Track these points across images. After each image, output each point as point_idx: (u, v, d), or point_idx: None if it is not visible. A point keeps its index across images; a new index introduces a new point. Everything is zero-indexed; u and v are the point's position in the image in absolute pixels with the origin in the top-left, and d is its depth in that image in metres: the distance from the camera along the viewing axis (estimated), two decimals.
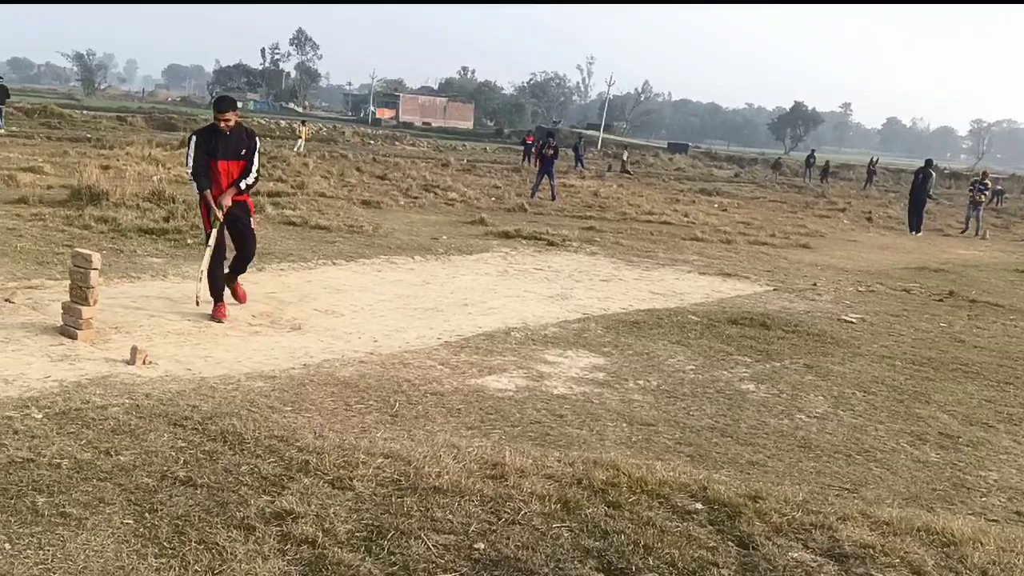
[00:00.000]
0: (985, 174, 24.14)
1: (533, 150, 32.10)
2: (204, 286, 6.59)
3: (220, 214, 6.53)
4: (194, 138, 6.59)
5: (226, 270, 6.77)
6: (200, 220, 6.85)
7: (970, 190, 23.23)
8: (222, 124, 6.53)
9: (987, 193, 23.03)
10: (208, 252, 6.58)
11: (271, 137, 41.82)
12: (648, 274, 10.77)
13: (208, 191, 6.50)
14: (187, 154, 6.60)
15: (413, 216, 15.04)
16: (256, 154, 6.76)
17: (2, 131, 26.78)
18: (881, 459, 4.79)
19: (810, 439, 5.00)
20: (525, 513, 3.48)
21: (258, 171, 6.84)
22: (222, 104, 6.66)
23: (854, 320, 8.60)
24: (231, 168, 6.62)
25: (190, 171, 6.60)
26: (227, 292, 6.75)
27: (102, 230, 9.60)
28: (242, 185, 6.65)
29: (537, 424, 4.79)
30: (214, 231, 6.57)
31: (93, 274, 5.52)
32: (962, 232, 21.61)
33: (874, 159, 49.20)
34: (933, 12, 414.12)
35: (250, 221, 6.87)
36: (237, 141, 6.64)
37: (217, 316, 6.49)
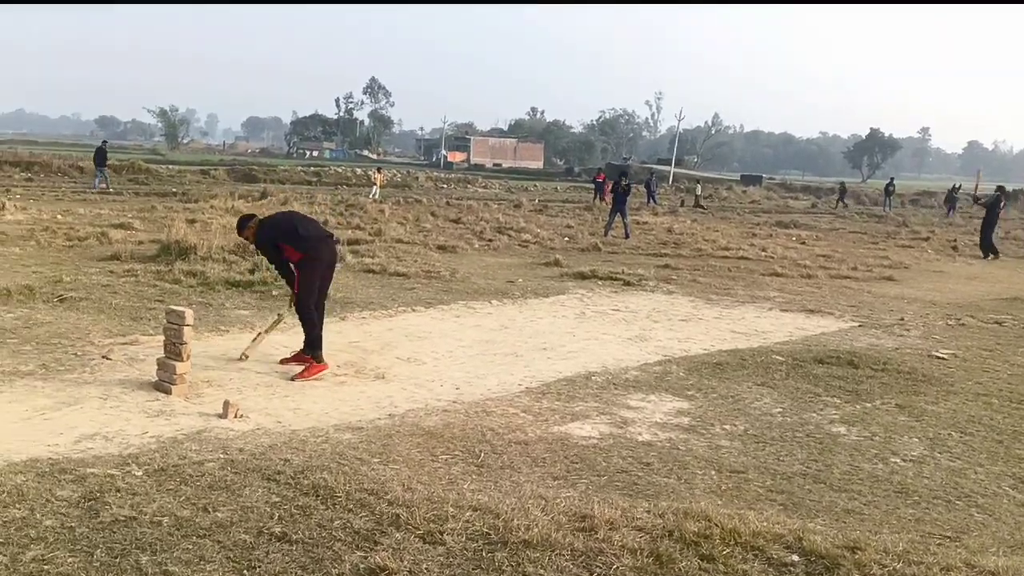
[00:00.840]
0: None
1: (606, 188, 32.20)
2: (257, 344, 6.87)
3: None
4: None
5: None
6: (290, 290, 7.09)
7: None
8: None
9: None
10: (277, 321, 6.98)
11: (347, 185, 42.79)
12: (728, 312, 10.63)
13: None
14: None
15: (488, 259, 15.16)
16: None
17: (104, 187, 28.49)
18: (983, 504, 4.61)
19: (907, 484, 4.84)
20: (617, 567, 3.44)
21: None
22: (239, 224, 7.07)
23: (946, 356, 8.33)
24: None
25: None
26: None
27: (191, 284, 9.92)
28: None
29: (624, 473, 4.75)
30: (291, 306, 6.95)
31: (186, 330, 5.70)
32: None
33: (956, 185, 47.73)
34: (1012, 30, 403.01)
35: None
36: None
37: (316, 375, 6.59)
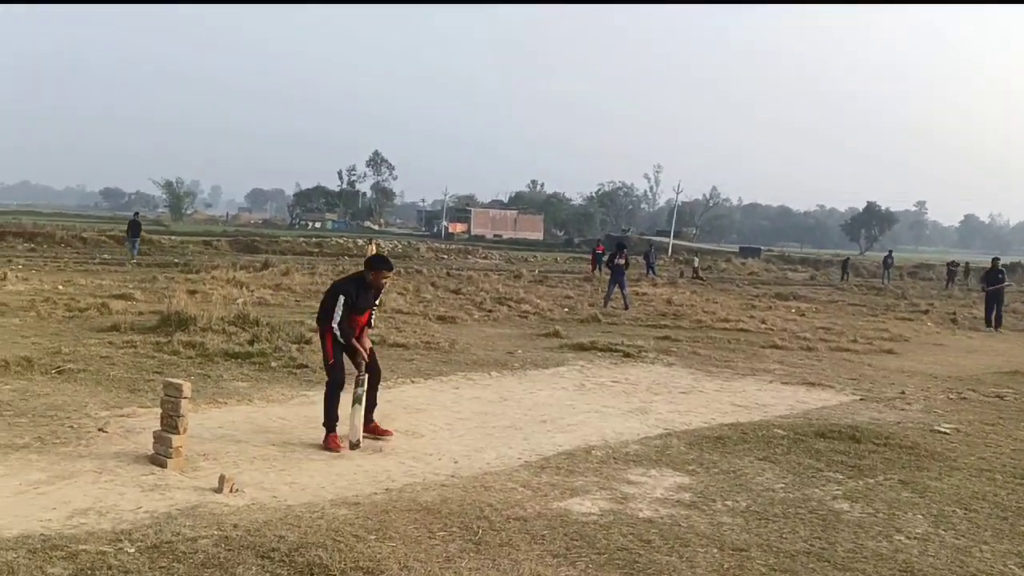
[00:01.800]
0: None
1: (604, 260, 32.52)
2: (358, 427, 6.68)
3: (365, 355, 6.79)
4: (343, 297, 6.67)
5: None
6: (322, 351, 6.96)
7: None
8: (381, 284, 6.95)
9: None
10: (364, 399, 6.75)
11: (349, 255, 43.06)
12: (729, 385, 10.58)
13: (351, 338, 6.73)
14: (335, 310, 6.66)
15: (488, 330, 15.16)
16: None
17: (134, 261, 28.82)
18: None
19: (912, 563, 4.75)
20: None
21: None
22: (389, 265, 7.10)
23: (948, 431, 8.26)
24: (363, 317, 6.92)
25: (336, 327, 6.65)
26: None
27: (190, 355, 9.90)
28: (373, 323, 7.13)
29: (624, 551, 4.67)
30: (364, 379, 6.76)
31: (183, 403, 5.68)
32: None
33: (956, 262, 47.91)
34: (1002, 103, 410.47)
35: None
36: (373, 295, 6.97)
37: (330, 446, 6.54)
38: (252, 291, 18.46)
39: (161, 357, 9.77)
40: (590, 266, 38.64)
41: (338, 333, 6.64)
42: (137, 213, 33.52)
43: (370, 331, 7.08)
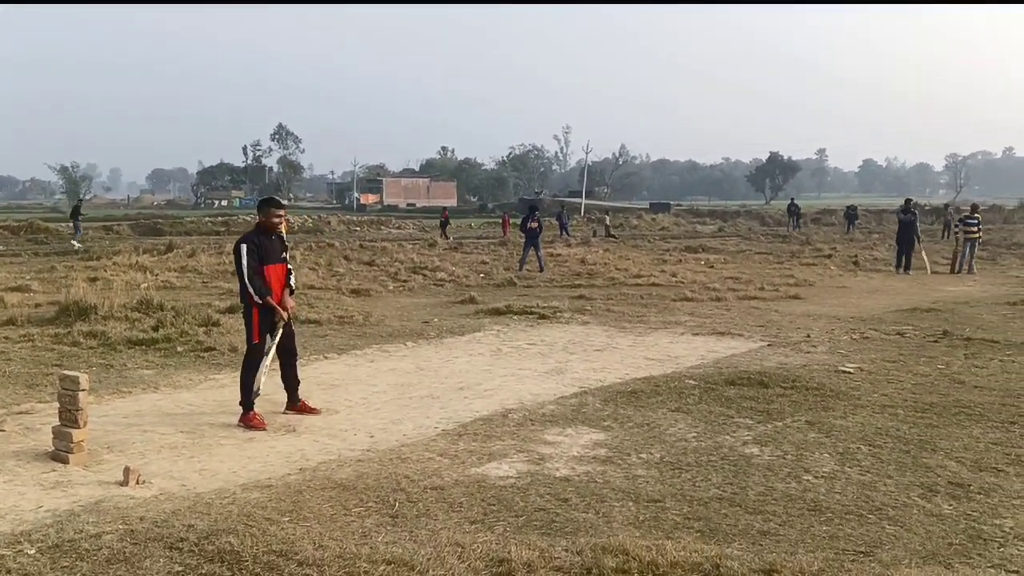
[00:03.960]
0: (975, 207, 23.88)
1: (521, 225, 32.95)
2: (264, 380, 6.68)
3: (285, 315, 6.71)
4: (244, 246, 6.56)
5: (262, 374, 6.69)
6: (245, 327, 6.83)
7: (958, 227, 22.61)
8: (274, 223, 6.76)
9: (978, 227, 21.89)
10: (272, 352, 6.71)
11: None
12: (642, 339, 10.74)
13: (270, 296, 6.58)
14: (240, 263, 6.54)
15: (403, 300, 15.05)
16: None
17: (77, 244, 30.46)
18: (894, 516, 4.69)
19: (820, 501, 4.91)
20: None
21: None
22: (276, 202, 6.94)
23: (852, 370, 8.55)
24: (277, 271, 6.75)
25: (247, 278, 6.52)
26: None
27: (91, 345, 9.55)
28: (293, 285, 6.95)
29: (542, 511, 4.69)
30: (279, 332, 6.71)
31: (81, 395, 5.46)
32: (953, 272, 21.17)
33: (854, 206, 49.37)
34: (899, 50, 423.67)
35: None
36: (278, 243, 6.84)
37: (252, 424, 6.43)
38: (156, 275, 17.90)
39: (61, 349, 9.40)
40: (502, 231, 39.51)
41: (251, 289, 6.50)
42: (81, 200, 35.69)
43: (292, 296, 6.96)
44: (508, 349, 10.07)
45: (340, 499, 4.83)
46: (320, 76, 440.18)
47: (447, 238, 36.26)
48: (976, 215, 22.38)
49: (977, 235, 21.76)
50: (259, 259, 6.58)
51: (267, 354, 6.69)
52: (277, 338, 6.73)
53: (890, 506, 4.86)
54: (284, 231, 7.14)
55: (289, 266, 6.96)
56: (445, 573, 3.65)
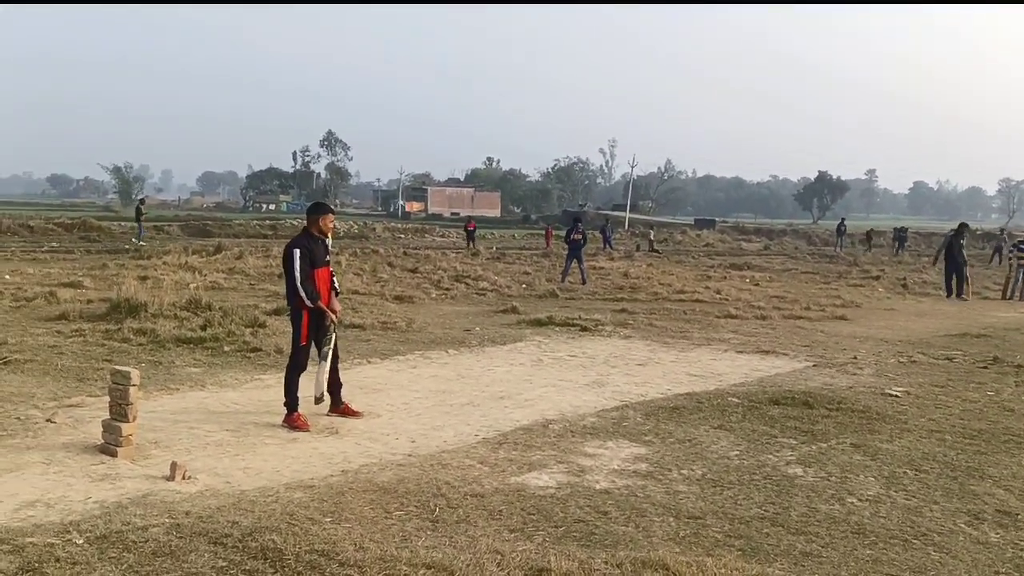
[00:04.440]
0: None
1: (565, 237, 33.06)
2: (323, 382, 6.86)
3: (335, 318, 6.89)
4: (297, 250, 6.65)
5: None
6: (292, 329, 6.91)
7: (1011, 252, 22.07)
8: (328, 227, 6.93)
9: None
10: (330, 355, 6.85)
11: None
12: (684, 355, 10.67)
13: (320, 300, 6.70)
14: (292, 267, 6.62)
15: (445, 308, 15.11)
16: None
17: (141, 243, 31.43)
18: (939, 543, 4.61)
19: (864, 524, 4.83)
20: None
21: None
22: (328, 208, 7.08)
23: (899, 393, 8.41)
24: (324, 274, 6.86)
25: (299, 283, 6.60)
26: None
27: (141, 342, 9.73)
28: (337, 288, 7.10)
29: (581, 523, 4.68)
30: (332, 335, 6.86)
31: (132, 390, 5.56)
32: (1005, 297, 20.58)
33: (904, 228, 48.74)
34: (952, 74, 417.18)
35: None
36: (325, 247, 6.96)
37: (296, 425, 6.51)
38: (204, 275, 18.18)
39: (111, 345, 9.59)
40: (545, 242, 39.56)
41: (303, 293, 6.58)
42: (143, 200, 36.94)
43: (337, 298, 7.10)
44: (549, 360, 10.06)
45: (381, 502, 4.86)
46: (370, 86, 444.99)
47: (475, 250, 34.86)
48: None
49: None
50: (310, 263, 6.68)
51: (324, 359, 6.83)
52: (333, 341, 6.87)
53: (935, 532, 4.77)
54: (330, 236, 7.25)
55: (331, 269, 7.08)
56: None
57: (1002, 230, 48.87)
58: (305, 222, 7.05)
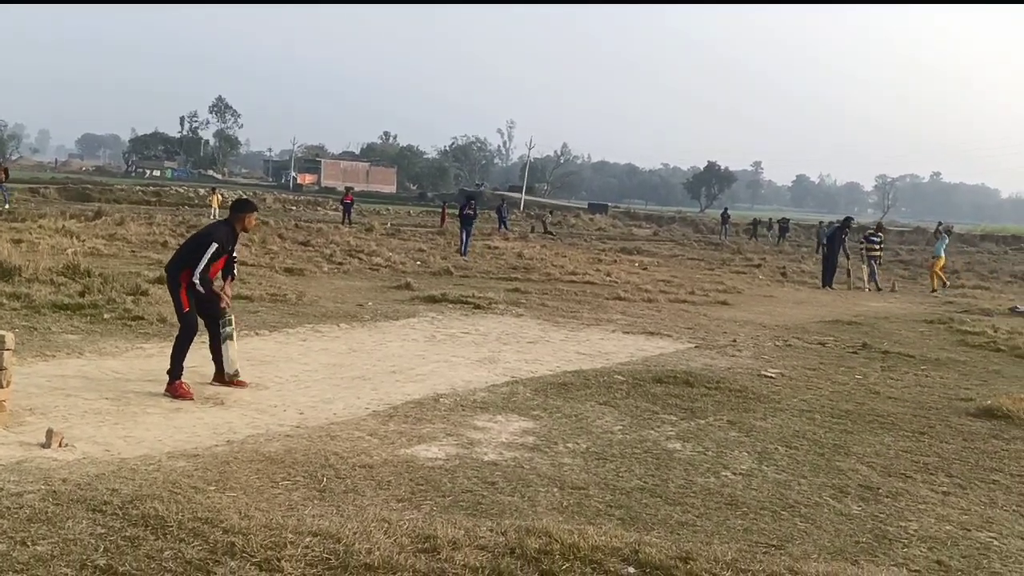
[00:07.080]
0: (880, 225, 24.13)
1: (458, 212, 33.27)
2: (234, 359, 6.87)
3: (229, 302, 6.92)
4: (215, 245, 6.60)
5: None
6: (172, 299, 6.83)
7: (861, 243, 22.25)
8: (251, 226, 7.14)
9: (880, 245, 22.00)
10: (234, 334, 6.91)
11: (189, 205, 41.33)
12: (574, 335, 10.89)
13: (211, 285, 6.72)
14: (203, 255, 6.54)
15: (338, 282, 14.96)
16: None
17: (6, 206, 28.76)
18: (806, 514, 4.89)
19: (737, 496, 5.08)
20: None
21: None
22: (253, 206, 7.17)
23: (774, 375, 8.82)
24: (222, 261, 6.86)
25: (199, 271, 6.52)
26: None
27: (15, 307, 9.30)
28: (235, 273, 7.20)
29: (469, 493, 4.77)
30: (230, 316, 6.92)
31: (6, 355, 5.34)
32: (869, 290, 21.27)
33: (786, 219, 50.73)
34: (835, 71, 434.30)
35: None
36: (236, 240, 7.01)
37: (178, 393, 6.40)
38: (83, 241, 17.45)
39: None
40: (440, 220, 39.84)
41: (199, 283, 6.53)
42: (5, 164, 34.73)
43: (233, 282, 7.23)
44: (442, 336, 10.11)
45: (267, 472, 4.83)
46: (263, 55, 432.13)
47: (350, 224, 33.30)
48: (880, 233, 22.51)
49: (878, 253, 21.95)
50: (218, 256, 6.68)
51: (229, 338, 6.85)
52: (232, 321, 6.94)
53: (803, 504, 5.05)
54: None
55: (234, 257, 7.07)
56: (371, 547, 3.69)
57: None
58: (228, 215, 7.10)
